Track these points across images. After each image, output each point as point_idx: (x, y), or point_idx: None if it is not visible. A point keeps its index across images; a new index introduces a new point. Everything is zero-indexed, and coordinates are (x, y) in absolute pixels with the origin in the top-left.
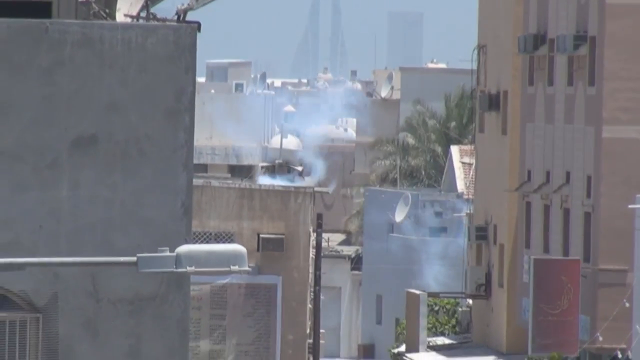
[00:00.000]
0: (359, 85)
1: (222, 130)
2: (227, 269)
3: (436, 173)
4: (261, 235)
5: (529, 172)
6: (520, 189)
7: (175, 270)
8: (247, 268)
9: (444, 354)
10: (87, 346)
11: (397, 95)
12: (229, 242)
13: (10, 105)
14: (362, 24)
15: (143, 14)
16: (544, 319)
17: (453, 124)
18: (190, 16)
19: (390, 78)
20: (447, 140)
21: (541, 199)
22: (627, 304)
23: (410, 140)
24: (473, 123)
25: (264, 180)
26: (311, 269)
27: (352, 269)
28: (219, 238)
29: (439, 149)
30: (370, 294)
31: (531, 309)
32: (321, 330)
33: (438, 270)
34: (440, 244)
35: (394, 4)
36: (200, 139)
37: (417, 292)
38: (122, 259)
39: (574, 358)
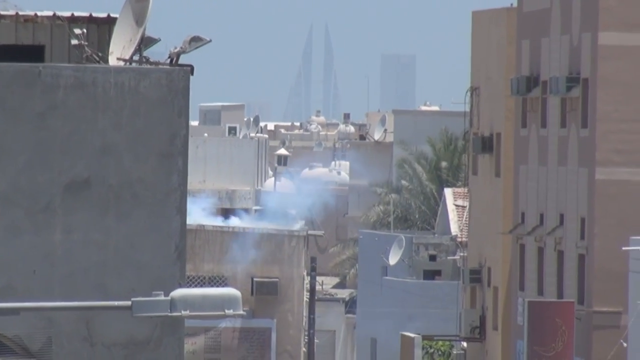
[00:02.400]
0: (352, 128)
1: (215, 173)
2: (222, 313)
3: (429, 216)
4: (255, 279)
5: (523, 215)
6: (514, 232)
7: (169, 314)
8: (241, 312)
9: None
10: None
11: (390, 137)
12: (223, 286)
13: (3, 149)
14: (355, 66)
15: (136, 58)
16: None
17: (444, 164)
18: (183, 59)
19: (383, 121)
20: (439, 183)
21: (535, 241)
22: (625, 344)
23: (404, 182)
24: (465, 165)
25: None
26: (305, 313)
27: (347, 312)
28: (213, 282)
29: (431, 191)
30: (364, 337)
31: (525, 352)
32: None
33: (432, 313)
34: (435, 287)
35: (387, 47)
36: (194, 182)
37: (412, 335)
38: (116, 303)
39: None
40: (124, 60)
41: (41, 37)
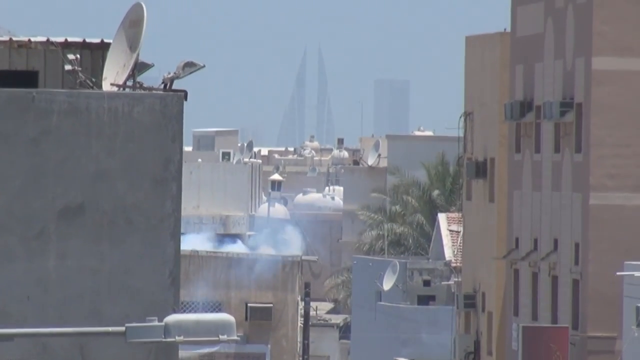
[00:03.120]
0: (345, 153)
1: (209, 199)
2: (216, 338)
3: (423, 241)
4: (249, 305)
5: (517, 240)
6: (508, 257)
7: (164, 339)
8: (235, 337)
9: None
10: None
11: (384, 163)
12: (217, 312)
13: None
14: (348, 91)
15: (130, 83)
16: None
17: (436, 192)
18: (176, 85)
19: (377, 146)
20: (433, 208)
21: (529, 267)
22: None
23: (397, 208)
24: (458, 190)
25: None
26: (299, 338)
27: (341, 337)
28: (207, 307)
29: (422, 218)
30: None
31: None
32: None
33: (426, 338)
34: (429, 312)
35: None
36: (188, 208)
37: None
38: (110, 328)
39: None
40: (118, 85)
41: (35, 63)
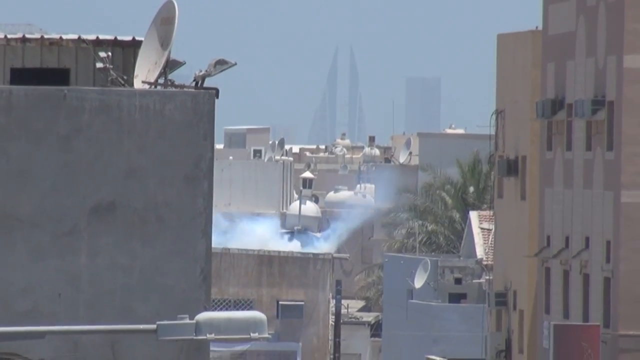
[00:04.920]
0: (377, 151)
1: (240, 196)
2: (247, 336)
3: (455, 239)
4: (280, 302)
5: (548, 238)
6: (540, 255)
7: (195, 337)
8: (266, 335)
9: None
10: None
11: (415, 160)
12: (248, 309)
13: (28, 172)
14: (380, 89)
15: (161, 81)
16: None
17: (471, 189)
18: (208, 82)
19: (408, 144)
20: (465, 206)
21: (560, 265)
22: None
23: (428, 205)
24: (490, 188)
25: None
26: (330, 336)
27: (372, 335)
28: (238, 305)
29: (456, 215)
30: None
31: None
32: None
33: (458, 336)
34: (460, 310)
35: (412, 70)
36: (219, 205)
37: (437, 358)
38: (141, 326)
39: None
40: (149, 83)
41: (66, 61)
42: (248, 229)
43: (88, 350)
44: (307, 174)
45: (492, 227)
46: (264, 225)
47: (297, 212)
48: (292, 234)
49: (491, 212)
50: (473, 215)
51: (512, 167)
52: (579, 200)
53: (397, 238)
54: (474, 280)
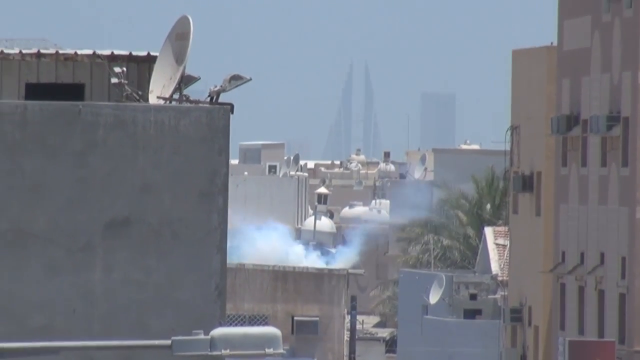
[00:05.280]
0: (392, 167)
1: (255, 212)
2: (262, 352)
3: (470, 255)
4: (295, 318)
5: (563, 254)
6: (555, 271)
7: (210, 353)
8: (282, 351)
9: None
10: None
11: (430, 176)
12: (263, 325)
13: (43, 188)
14: (395, 105)
15: (176, 96)
16: None
17: (488, 206)
18: (223, 98)
19: (423, 159)
20: (480, 222)
21: (576, 281)
22: None
23: (443, 221)
24: (505, 204)
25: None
26: (346, 352)
27: (387, 351)
28: (253, 321)
29: (471, 231)
30: None
31: None
32: None
33: (473, 352)
34: (475, 326)
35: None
36: (234, 221)
37: None
38: (156, 342)
39: None
40: (164, 98)
41: (81, 76)
42: (259, 238)
43: None
44: (322, 190)
45: (507, 242)
46: (275, 235)
47: (312, 228)
48: (308, 247)
49: (506, 228)
50: (488, 231)
51: (527, 183)
52: (594, 216)
53: (412, 254)
54: (489, 296)
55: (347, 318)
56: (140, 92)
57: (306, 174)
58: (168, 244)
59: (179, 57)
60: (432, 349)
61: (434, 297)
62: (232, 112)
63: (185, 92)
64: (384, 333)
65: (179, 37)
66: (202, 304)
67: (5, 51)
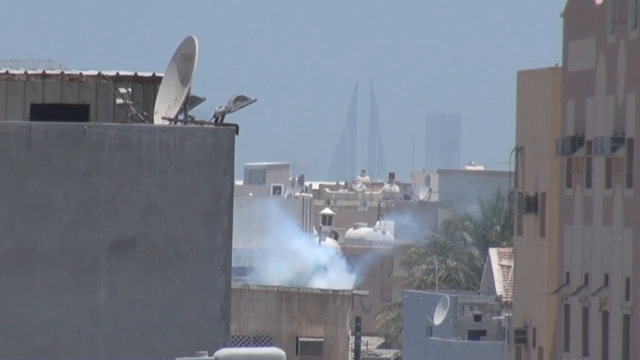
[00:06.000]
0: (396, 188)
1: (260, 233)
2: None
3: (474, 276)
4: (300, 339)
5: (568, 275)
6: (559, 292)
7: None
8: None
9: None
10: None
11: (435, 197)
12: (267, 346)
13: (48, 208)
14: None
15: (181, 117)
16: None
17: (497, 228)
18: (228, 119)
19: (428, 180)
20: (485, 243)
21: (580, 302)
22: None
23: (448, 242)
24: (510, 225)
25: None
26: None
27: None
28: (258, 341)
29: (476, 252)
30: None
31: None
32: None
33: None
34: (480, 347)
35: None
36: (239, 241)
37: None
38: None
39: None
40: (169, 119)
41: (86, 96)
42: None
43: None
44: (327, 211)
45: (511, 264)
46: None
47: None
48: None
49: (511, 249)
50: (492, 252)
51: (532, 204)
52: (598, 237)
53: (416, 275)
54: (493, 317)
55: (352, 339)
56: (145, 113)
57: (311, 195)
58: (173, 264)
59: (184, 78)
60: None
61: (438, 318)
62: (237, 133)
63: (190, 112)
64: (389, 354)
65: (184, 58)
66: (206, 325)
67: (11, 72)
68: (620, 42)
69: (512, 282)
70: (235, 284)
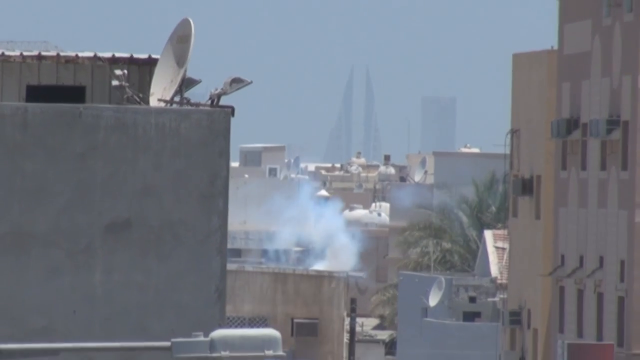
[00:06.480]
0: (392, 170)
1: (255, 214)
2: (262, 354)
3: (470, 258)
4: (295, 320)
5: (563, 257)
6: (554, 274)
7: (209, 355)
8: (281, 353)
9: None
10: None
11: (430, 179)
12: (263, 327)
13: (44, 189)
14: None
15: (177, 99)
16: None
17: (492, 210)
18: (223, 101)
19: (423, 163)
20: (480, 225)
21: (575, 284)
22: None
23: (443, 224)
24: (505, 207)
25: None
26: (345, 354)
27: (387, 353)
28: (253, 323)
29: (472, 234)
30: None
31: None
32: None
33: (472, 354)
34: (474, 329)
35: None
36: (234, 223)
37: None
38: (156, 343)
39: None
40: (165, 101)
41: (82, 78)
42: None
43: None
44: (323, 193)
45: (506, 246)
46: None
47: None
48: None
49: (506, 231)
50: (488, 234)
51: (527, 187)
52: (593, 219)
53: (412, 257)
54: (488, 299)
55: (347, 320)
56: (141, 95)
57: (306, 177)
58: (168, 246)
59: (180, 60)
60: (432, 352)
61: (433, 300)
62: (233, 115)
63: (186, 94)
64: (384, 335)
65: (180, 40)
66: (202, 306)
67: (7, 53)
68: (615, 25)
69: (507, 264)
70: (230, 266)
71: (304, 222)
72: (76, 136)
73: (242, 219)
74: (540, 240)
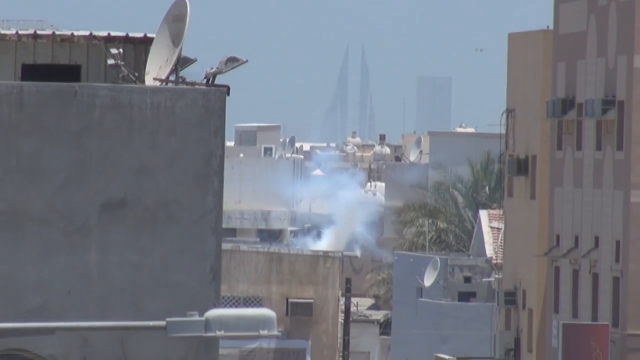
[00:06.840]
0: (387, 150)
1: (251, 194)
2: (257, 333)
3: (465, 237)
4: (290, 300)
5: (558, 237)
6: (549, 254)
7: (204, 334)
8: (276, 332)
9: None
10: None
11: (426, 159)
12: (257, 307)
13: (39, 168)
14: (391, 88)
15: (172, 78)
16: None
17: (487, 190)
18: (219, 80)
19: (418, 142)
20: (476, 205)
21: (570, 264)
22: None
23: (439, 204)
24: (501, 187)
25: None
26: (340, 334)
27: (381, 333)
28: (248, 302)
29: (467, 213)
30: (399, 359)
31: None
32: None
33: (467, 334)
34: (469, 309)
35: (423, 69)
36: (229, 202)
37: (446, 356)
38: (151, 323)
39: None
40: (161, 80)
41: (77, 57)
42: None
43: (97, 347)
44: (318, 172)
45: (501, 226)
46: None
47: (308, 210)
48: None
49: (501, 211)
50: (483, 214)
51: (522, 166)
52: (588, 199)
53: (407, 236)
54: (483, 279)
55: (342, 300)
56: (136, 74)
57: (302, 156)
58: (163, 225)
59: (176, 39)
60: (427, 332)
61: (428, 280)
62: (228, 94)
63: (181, 74)
64: (379, 315)
65: (175, 19)
66: (197, 286)
67: (2, 32)
68: (611, 4)
69: (502, 244)
70: (225, 245)
71: (328, 195)
72: (71, 115)
73: (237, 198)
74: (536, 220)
